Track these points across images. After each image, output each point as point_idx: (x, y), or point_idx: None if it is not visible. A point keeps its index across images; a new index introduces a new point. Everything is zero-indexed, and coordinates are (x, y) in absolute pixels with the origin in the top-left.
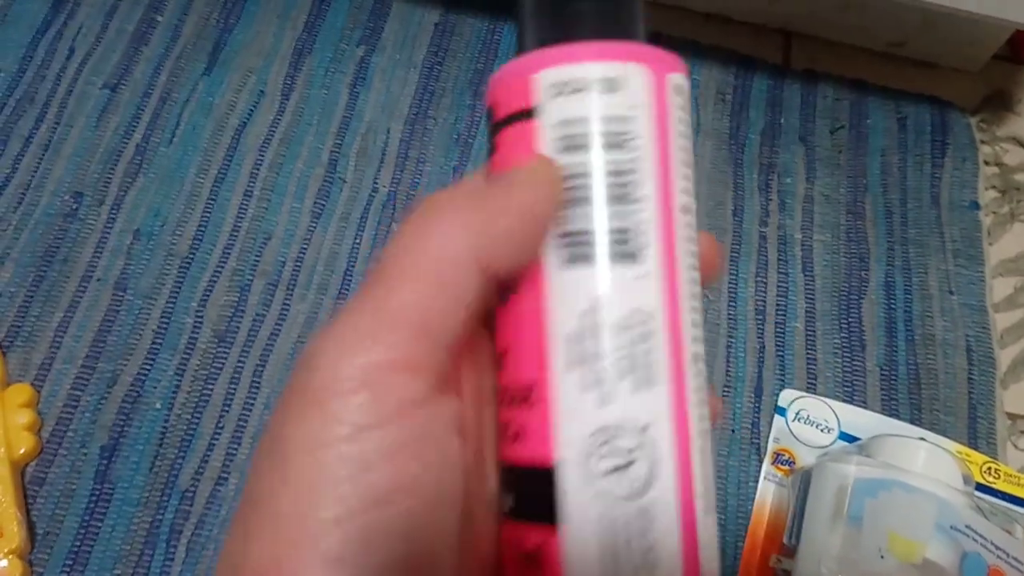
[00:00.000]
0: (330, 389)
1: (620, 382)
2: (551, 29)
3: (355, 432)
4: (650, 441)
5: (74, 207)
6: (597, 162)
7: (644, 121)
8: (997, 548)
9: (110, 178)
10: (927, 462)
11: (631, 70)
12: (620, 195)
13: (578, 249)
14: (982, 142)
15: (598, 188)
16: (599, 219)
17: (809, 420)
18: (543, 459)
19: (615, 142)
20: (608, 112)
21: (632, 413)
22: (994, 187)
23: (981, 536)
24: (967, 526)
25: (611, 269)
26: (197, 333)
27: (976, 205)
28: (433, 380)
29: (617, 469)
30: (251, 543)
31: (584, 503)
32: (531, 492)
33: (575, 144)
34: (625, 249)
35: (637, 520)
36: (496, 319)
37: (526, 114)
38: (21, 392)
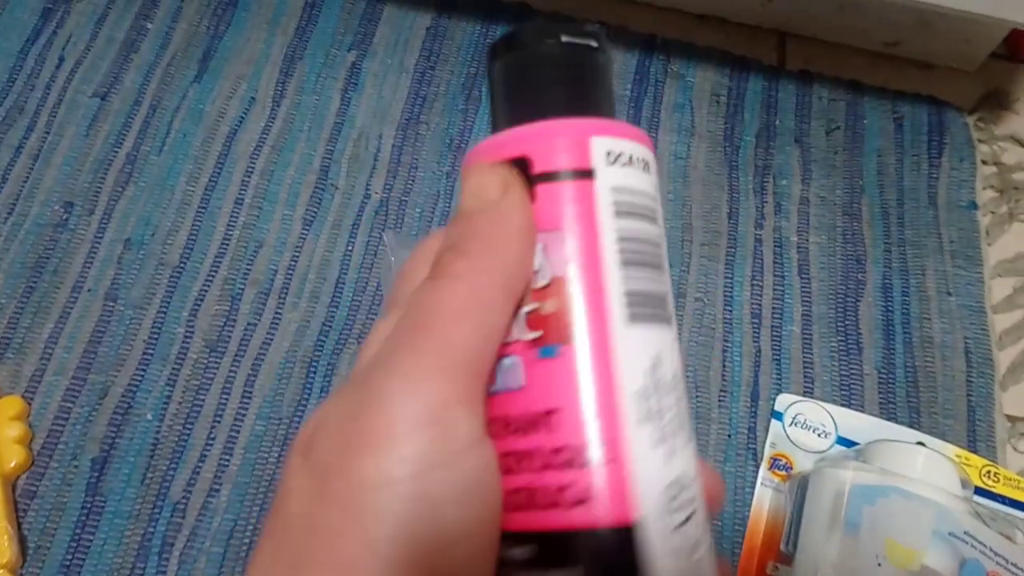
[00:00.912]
0: (397, 424)
1: (677, 437)
2: (586, 100)
3: (423, 470)
4: (697, 493)
5: (64, 217)
6: (659, 232)
7: (659, 203)
8: (996, 555)
9: (100, 187)
10: (925, 468)
11: (652, 157)
12: (663, 264)
13: (646, 309)
14: (979, 141)
15: (663, 255)
16: (662, 283)
17: (806, 425)
18: (623, 519)
19: (653, 217)
20: (652, 190)
21: (687, 466)
22: (992, 187)
23: (980, 543)
24: (966, 532)
25: (667, 330)
26: (188, 343)
27: (974, 205)
28: (483, 417)
29: (685, 522)
30: (303, 572)
31: (666, 561)
32: (609, 556)
33: (633, 212)
34: (667, 313)
35: (694, 574)
36: (530, 376)
37: (582, 174)
38: (12, 404)
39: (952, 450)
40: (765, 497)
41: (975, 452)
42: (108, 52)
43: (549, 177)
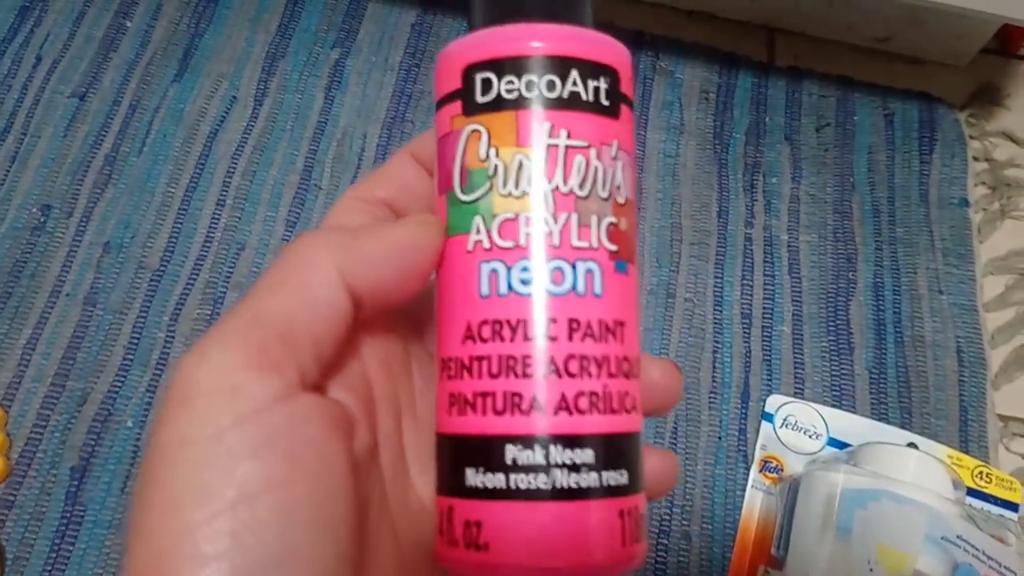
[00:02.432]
0: (194, 393)
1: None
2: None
3: (217, 431)
4: None
5: (42, 220)
6: None
7: None
8: (989, 558)
9: (79, 189)
10: (917, 470)
11: None
12: None
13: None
14: (971, 137)
15: None
16: None
17: (797, 426)
18: (641, 426)
19: None
20: None
21: None
22: (984, 183)
23: (973, 546)
24: (958, 536)
25: None
26: (169, 348)
27: (965, 202)
28: (296, 380)
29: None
30: (131, 551)
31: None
32: (638, 459)
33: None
34: None
35: None
36: (608, 286)
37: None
38: None
39: (944, 451)
40: (756, 500)
41: (967, 452)
42: (86, 51)
43: (628, 101)
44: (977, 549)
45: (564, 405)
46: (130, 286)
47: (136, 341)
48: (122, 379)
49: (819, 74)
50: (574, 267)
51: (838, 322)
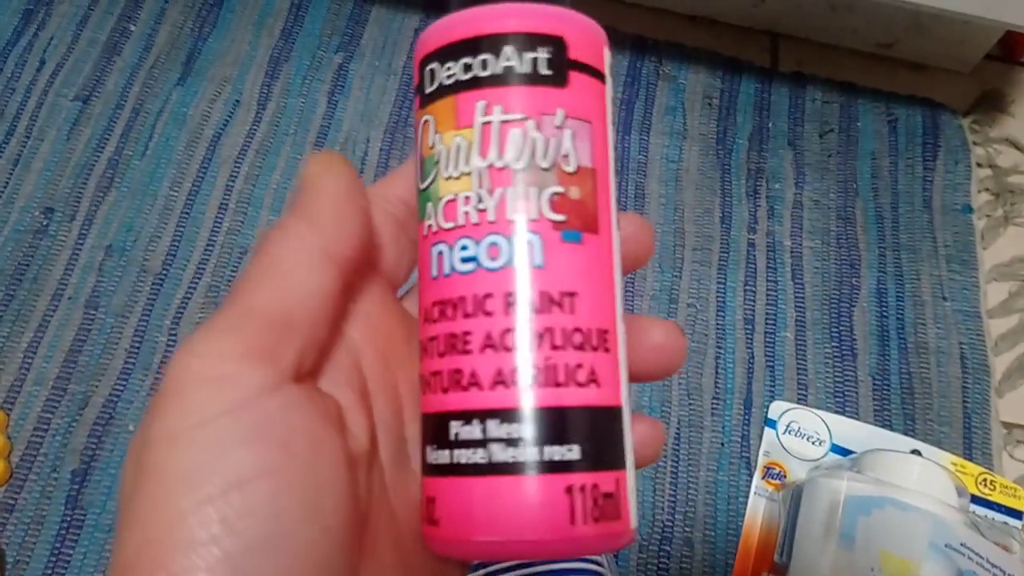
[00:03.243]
0: (185, 384)
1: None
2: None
3: (207, 420)
4: None
5: (44, 223)
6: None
7: None
8: (993, 566)
9: (81, 193)
10: (921, 477)
11: None
12: None
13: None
14: (974, 144)
15: None
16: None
17: (800, 432)
18: (614, 400)
19: None
20: None
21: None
22: (987, 189)
23: (977, 554)
24: (962, 544)
25: None
26: (171, 352)
27: (969, 208)
28: (291, 369)
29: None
30: (121, 539)
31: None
32: (603, 434)
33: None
34: None
35: None
36: (550, 257)
37: (601, 76)
38: None
39: (948, 458)
40: (759, 506)
41: (971, 459)
42: (90, 54)
43: (582, 68)
44: (981, 557)
45: (500, 379)
46: (132, 290)
47: (138, 345)
48: (124, 383)
49: (822, 80)
50: (510, 240)
51: (841, 328)
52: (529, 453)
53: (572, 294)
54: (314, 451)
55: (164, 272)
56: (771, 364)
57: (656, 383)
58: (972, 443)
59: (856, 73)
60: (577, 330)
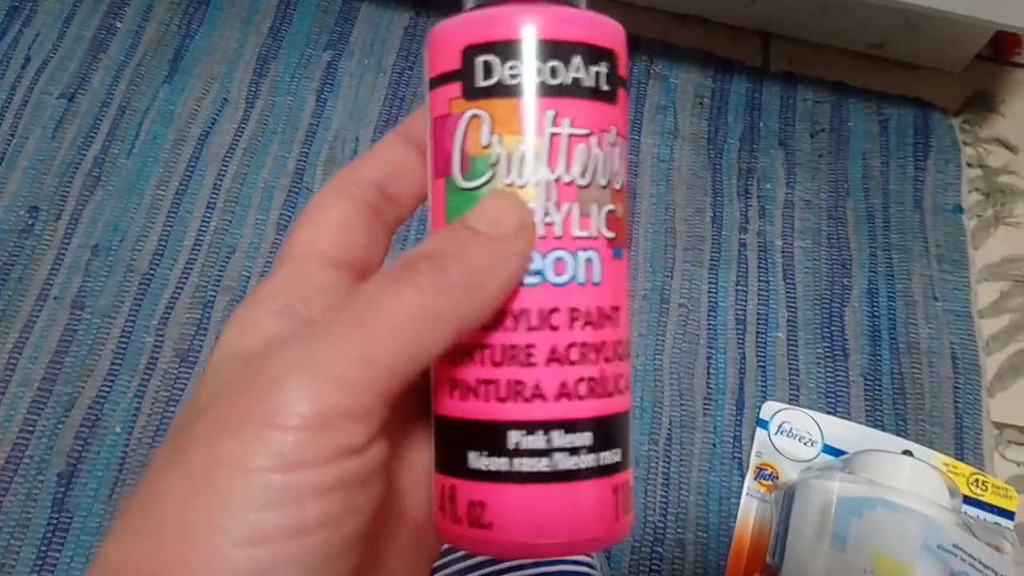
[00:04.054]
0: (276, 417)
1: None
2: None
3: (287, 466)
4: None
5: (30, 222)
6: None
7: None
8: (985, 567)
9: (67, 191)
10: (912, 478)
11: None
12: None
13: None
14: (965, 144)
15: None
16: None
17: (792, 433)
18: (629, 405)
19: None
20: None
21: None
22: (978, 190)
23: (969, 555)
24: (954, 545)
25: None
26: (158, 353)
27: (960, 208)
28: (375, 430)
29: None
30: (142, 544)
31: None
32: (630, 436)
33: None
34: None
35: None
36: (606, 272)
37: (628, 89)
38: None
39: (939, 458)
40: (751, 508)
41: (962, 460)
42: (76, 52)
43: (624, 84)
44: (973, 558)
45: (565, 392)
46: (119, 290)
47: (124, 346)
48: (110, 384)
49: (813, 79)
50: (575, 256)
51: (832, 328)
52: (589, 460)
53: (618, 308)
54: (368, 506)
55: (151, 272)
56: (763, 364)
57: (648, 383)
58: (964, 443)
59: (847, 73)
60: (620, 342)
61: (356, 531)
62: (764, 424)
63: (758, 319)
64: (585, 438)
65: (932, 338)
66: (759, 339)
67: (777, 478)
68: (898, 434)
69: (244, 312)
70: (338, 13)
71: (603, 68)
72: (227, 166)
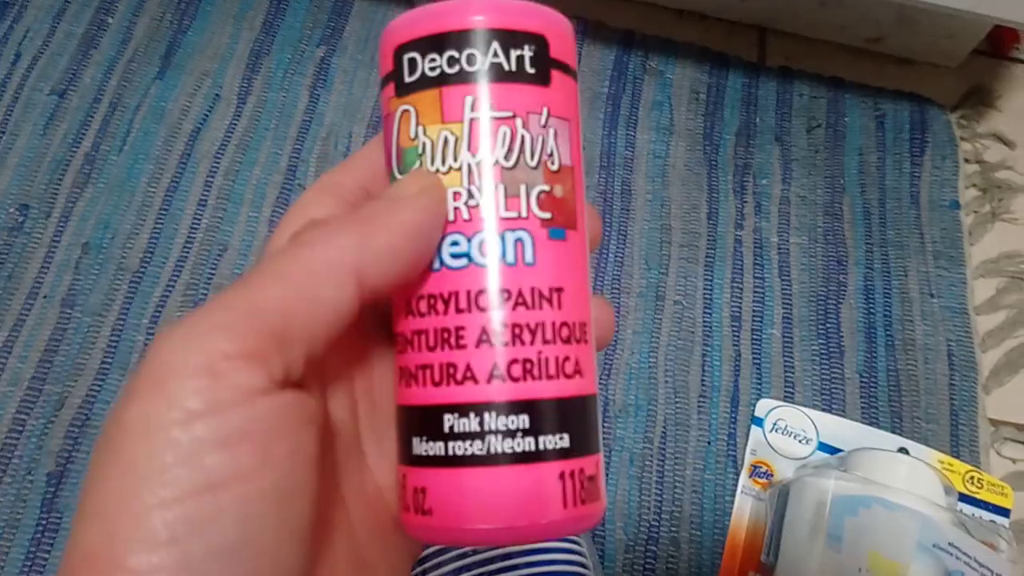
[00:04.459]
0: (171, 374)
1: None
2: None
3: (188, 417)
4: None
5: (19, 220)
6: None
7: None
8: (981, 565)
9: (57, 189)
10: (908, 477)
11: None
12: None
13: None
14: (962, 139)
15: None
16: None
17: (787, 430)
18: (593, 388)
19: None
20: None
21: None
22: (975, 185)
23: (965, 554)
24: (950, 544)
25: None
26: None
27: (956, 204)
28: (281, 375)
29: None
30: (82, 527)
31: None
32: (586, 420)
33: None
34: None
35: None
36: (540, 255)
37: (575, 75)
38: None
39: (935, 456)
40: (745, 506)
41: (958, 457)
42: (67, 47)
43: (561, 66)
44: (969, 556)
45: (496, 373)
46: (109, 288)
47: (115, 344)
48: (100, 383)
49: (810, 75)
50: (502, 238)
51: (828, 325)
52: (527, 443)
53: (559, 290)
54: (292, 457)
55: (142, 270)
56: (758, 361)
57: (642, 380)
58: (959, 440)
59: (844, 68)
60: (564, 324)
61: (279, 489)
62: (759, 421)
63: (753, 316)
64: (521, 421)
65: (928, 335)
66: (754, 336)
67: (772, 476)
68: (894, 431)
69: None
70: (331, 9)
71: (527, 52)
72: (219, 163)
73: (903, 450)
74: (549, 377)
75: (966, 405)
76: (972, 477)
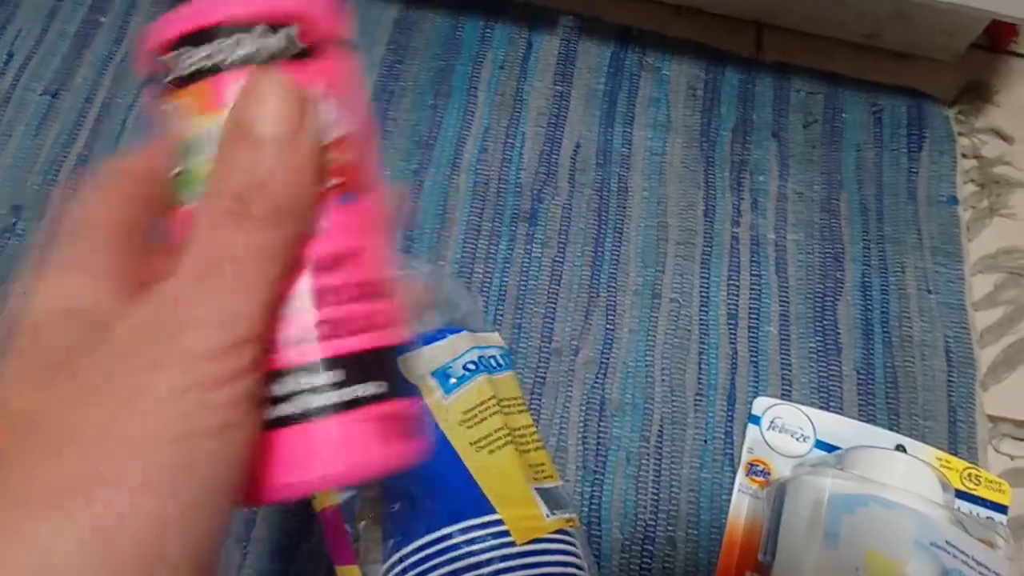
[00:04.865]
0: (189, 353)
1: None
2: None
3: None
4: None
5: (12, 221)
6: None
7: None
8: (978, 564)
9: (50, 190)
10: (905, 474)
11: None
12: None
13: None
14: (960, 134)
15: None
16: None
17: (784, 428)
18: (400, 339)
19: None
20: None
21: None
22: (972, 181)
23: (962, 552)
24: (947, 542)
25: None
26: None
27: (954, 200)
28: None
29: None
30: (52, 462)
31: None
32: (399, 367)
33: None
34: None
35: None
36: (335, 219)
37: (351, 46)
38: None
39: (933, 453)
40: (742, 504)
41: (956, 454)
42: (59, 47)
43: (332, 41)
44: (966, 554)
45: (306, 336)
46: None
47: None
48: None
49: (807, 70)
50: None
51: (825, 322)
52: (341, 395)
53: (357, 251)
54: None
55: None
56: (755, 359)
57: (639, 379)
58: (957, 437)
59: (841, 63)
60: (368, 282)
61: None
62: (756, 420)
63: (750, 313)
64: (331, 376)
65: (926, 331)
66: (751, 334)
67: (769, 474)
68: (891, 429)
69: None
70: None
71: (282, 34)
72: None
73: (900, 447)
74: (359, 332)
75: (964, 401)
76: (970, 474)
